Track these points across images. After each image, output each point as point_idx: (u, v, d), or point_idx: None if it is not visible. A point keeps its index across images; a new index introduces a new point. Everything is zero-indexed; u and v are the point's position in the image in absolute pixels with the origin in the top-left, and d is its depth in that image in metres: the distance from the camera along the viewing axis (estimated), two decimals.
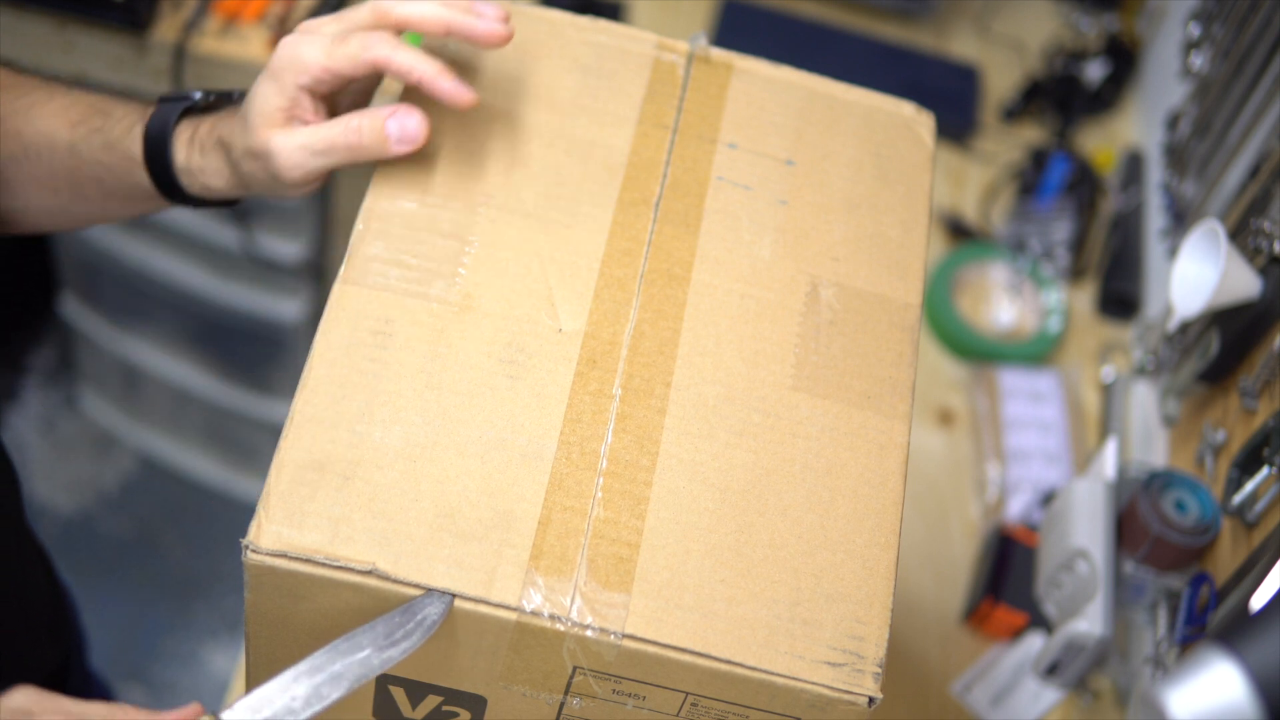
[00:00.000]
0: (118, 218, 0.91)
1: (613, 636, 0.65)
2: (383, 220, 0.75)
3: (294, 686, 0.62)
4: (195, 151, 0.82)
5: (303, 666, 0.63)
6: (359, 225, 0.75)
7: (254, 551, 0.64)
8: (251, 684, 0.73)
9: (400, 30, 0.77)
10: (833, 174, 0.82)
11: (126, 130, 0.84)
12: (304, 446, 0.67)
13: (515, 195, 0.77)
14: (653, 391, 0.72)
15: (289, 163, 0.77)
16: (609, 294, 0.74)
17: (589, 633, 0.65)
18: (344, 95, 0.81)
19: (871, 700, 0.66)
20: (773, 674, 0.65)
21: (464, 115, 0.79)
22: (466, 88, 0.75)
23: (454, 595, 0.64)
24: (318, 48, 0.76)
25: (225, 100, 0.85)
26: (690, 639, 0.65)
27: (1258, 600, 0.89)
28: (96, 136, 0.84)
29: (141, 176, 0.84)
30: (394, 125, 0.75)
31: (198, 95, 0.84)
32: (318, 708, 0.62)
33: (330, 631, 0.67)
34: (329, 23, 0.78)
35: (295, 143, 0.77)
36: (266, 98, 0.77)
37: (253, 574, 0.65)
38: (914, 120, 0.85)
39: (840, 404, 0.74)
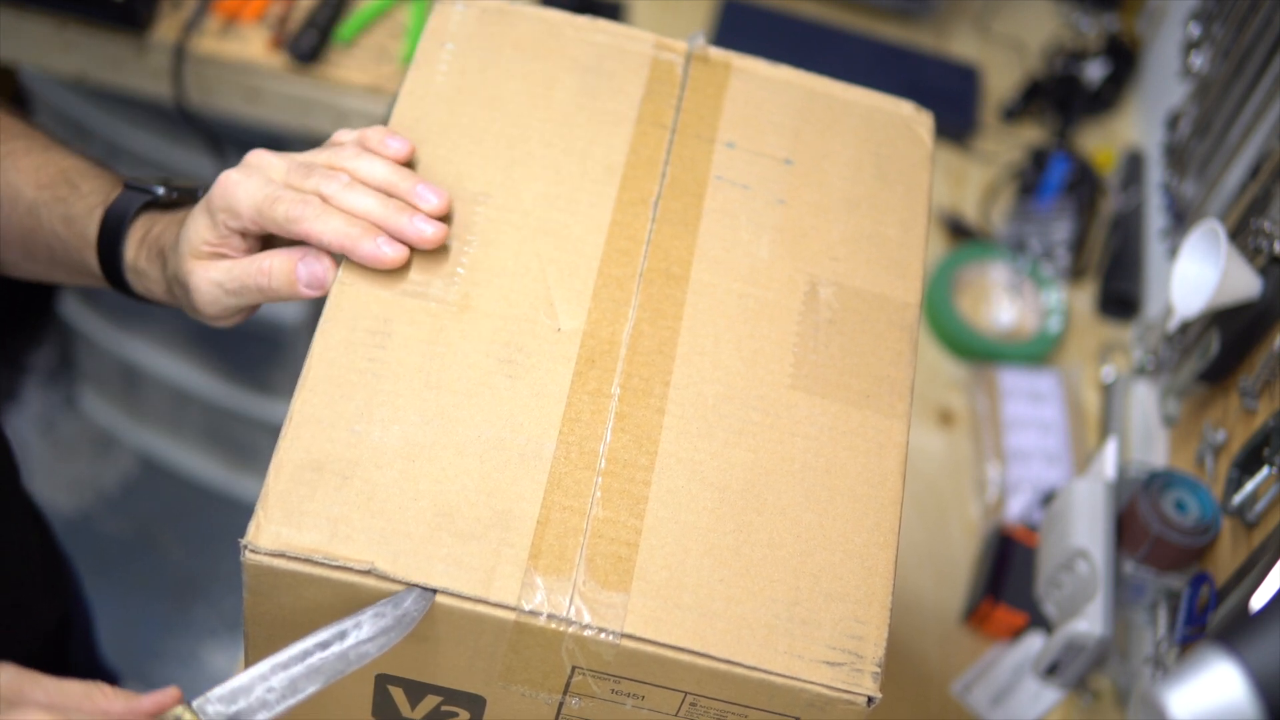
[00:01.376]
0: (62, 284, 0.89)
1: (611, 636, 0.65)
2: None
3: (271, 678, 0.62)
4: (143, 255, 0.80)
5: (280, 658, 0.63)
6: None
7: (253, 551, 0.64)
8: None
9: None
10: (831, 173, 0.82)
11: (88, 210, 0.81)
12: (303, 446, 0.67)
13: (514, 195, 0.77)
14: (651, 391, 0.72)
15: (205, 298, 0.75)
16: (608, 293, 0.74)
17: (587, 632, 0.65)
18: None
19: (870, 700, 0.66)
20: (772, 673, 0.65)
21: (462, 116, 0.79)
22: (393, 247, 0.71)
23: (436, 590, 0.64)
24: (254, 195, 0.73)
25: (189, 197, 0.82)
26: (689, 638, 0.65)
27: (1258, 600, 0.89)
28: (59, 206, 0.82)
29: (92, 260, 0.81)
30: (304, 270, 0.73)
31: (160, 191, 0.81)
32: (292, 701, 0.62)
33: None
34: (277, 164, 0.74)
35: (211, 278, 0.75)
36: (199, 230, 0.75)
37: (251, 574, 0.65)
38: (913, 120, 0.85)
39: (839, 403, 0.74)
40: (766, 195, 0.80)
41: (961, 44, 1.64)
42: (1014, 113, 1.56)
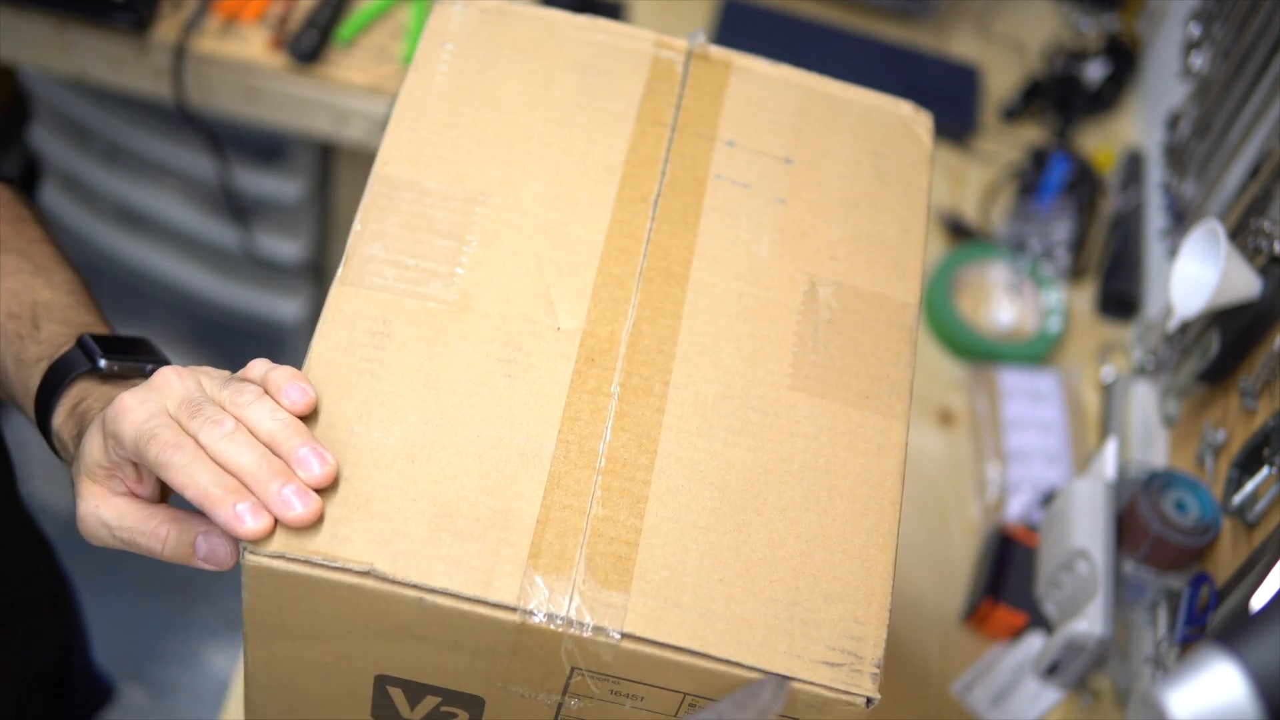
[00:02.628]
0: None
1: (611, 636, 0.65)
2: (380, 221, 0.75)
3: None
4: (69, 426, 0.74)
5: None
6: (357, 226, 0.75)
7: (252, 553, 0.64)
8: (250, 686, 0.73)
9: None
10: (831, 173, 0.82)
11: (35, 360, 0.77)
12: None
13: (513, 194, 0.77)
14: (651, 390, 0.72)
15: (89, 530, 0.70)
16: (607, 292, 0.74)
17: (587, 633, 0.65)
18: None
19: (869, 700, 0.66)
20: (771, 674, 0.65)
21: (462, 115, 0.79)
22: (254, 518, 0.63)
23: (763, 671, 0.65)
24: (138, 426, 0.66)
25: (136, 372, 0.76)
26: (688, 638, 0.65)
27: (1258, 600, 0.89)
28: (15, 344, 0.78)
29: (31, 411, 0.77)
30: (203, 545, 0.68)
31: (102, 364, 0.75)
32: None
33: (329, 632, 0.67)
34: (176, 390, 0.67)
35: (101, 517, 0.69)
36: (93, 450, 0.69)
37: (251, 575, 0.65)
38: (912, 119, 0.85)
39: (838, 403, 0.74)
40: (766, 194, 0.80)
41: (961, 44, 1.64)
42: (1014, 113, 1.56)
